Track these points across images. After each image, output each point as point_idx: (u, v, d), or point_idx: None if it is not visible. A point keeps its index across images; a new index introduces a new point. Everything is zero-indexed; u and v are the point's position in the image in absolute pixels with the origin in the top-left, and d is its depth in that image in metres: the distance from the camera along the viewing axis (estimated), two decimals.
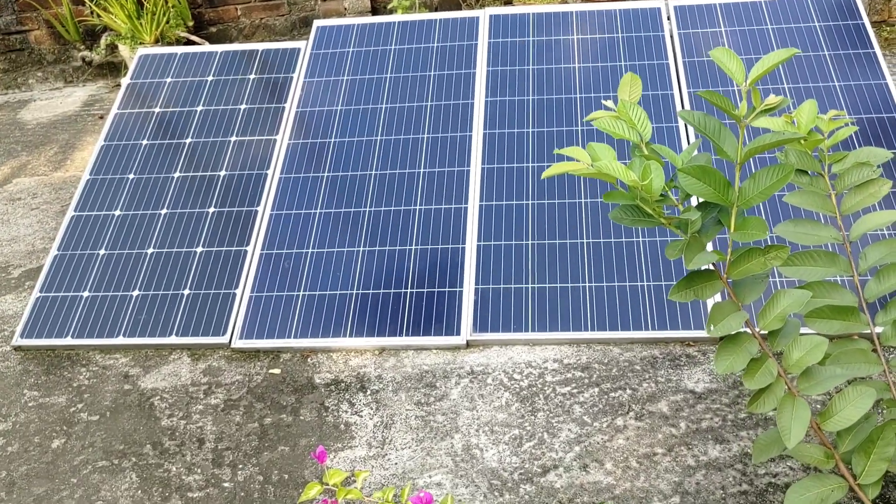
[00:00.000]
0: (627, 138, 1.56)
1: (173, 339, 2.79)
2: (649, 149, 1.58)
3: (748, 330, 1.58)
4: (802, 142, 1.77)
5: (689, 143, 3.06)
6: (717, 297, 2.58)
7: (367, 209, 3.03)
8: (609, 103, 1.63)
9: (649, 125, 1.58)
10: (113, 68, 5.02)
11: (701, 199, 1.64)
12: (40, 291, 2.99)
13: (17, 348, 2.89)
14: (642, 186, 1.45)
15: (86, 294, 2.96)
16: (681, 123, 3.11)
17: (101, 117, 4.61)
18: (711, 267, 1.59)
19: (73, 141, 4.40)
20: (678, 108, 3.15)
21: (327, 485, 1.81)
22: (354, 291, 2.81)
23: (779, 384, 1.55)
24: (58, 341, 2.85)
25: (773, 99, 1.46)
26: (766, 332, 1.58)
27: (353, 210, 3.03)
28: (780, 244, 1.53)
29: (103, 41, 4.83)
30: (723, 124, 1.52)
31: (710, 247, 2.77)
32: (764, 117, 1.64)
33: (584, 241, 2.82)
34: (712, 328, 1.54)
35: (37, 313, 2.93)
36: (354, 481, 2.25)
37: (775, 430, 1.67)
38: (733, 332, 1.55)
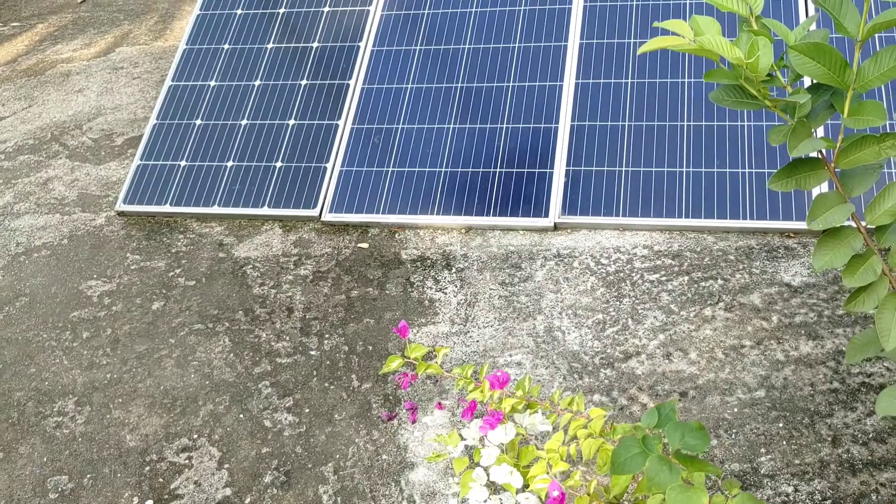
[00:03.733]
0: (735, 11, 1.43)
1: (266, 210, 2.85)
2: (759, 23, 1.45)
3: (853, 224, 1.47)
4: None
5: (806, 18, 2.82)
6: (825, 188, 2.44)
7: (459, 85, 2.95)
8: None
9: None
10: None
11: (813, 81, 1.50)
12: (141, 159, 3.08)
13: (120, 213, 3.01)
14: (747, 64, 1.34)
15: (183, 163, 3.03)
16: (801, 6, 2.86)
17: None
18: (818, 155, 1.47)
19: (171, 10, 4.42)
20: None
21: (408, 358, 1.84)
22: (443, 169, 2.77)
23: (882, 283, 1.45)
24: (157, 208, 2.95)
25: None
26: (874, 226, 1.47)
27: (444, 86, 2.96)
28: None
29: None
30: None
31: (819, 133, 2.59)
32: None
33: (685, 123, 2.68)
34: (813, 221, 1.45)
35: (137, 180, 3.03)
36: (435, 356, 2.29)
37: (872, 330, 1.58)
38: (836, 226, 1.45)
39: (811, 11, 2.82)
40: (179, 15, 4.35)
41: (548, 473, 1.51)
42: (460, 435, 2.15)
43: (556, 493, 1.43)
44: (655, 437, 1.02)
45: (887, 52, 1.35)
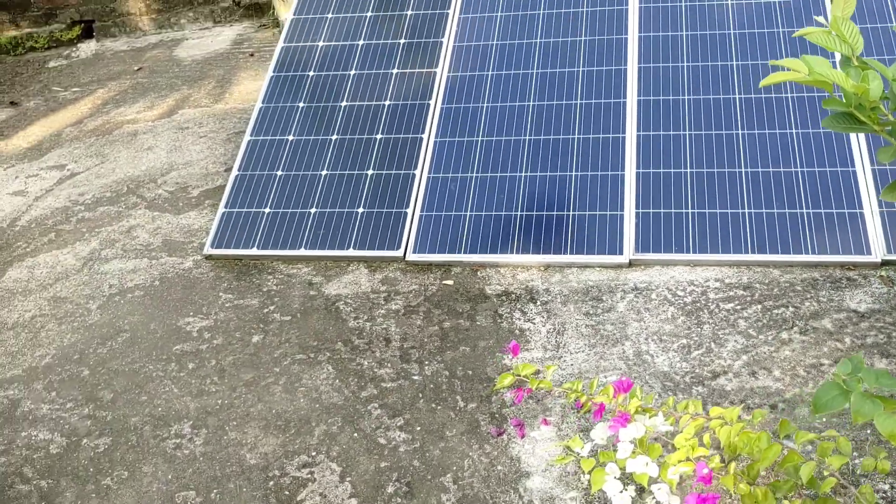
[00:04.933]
0: (840, 52, 1.67)
1: (351, 252, 3.04)
2: (860, 62, 1.70)
3: None
4: None
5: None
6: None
7: (527, 138, 3.19)
8: (820, 19, 1.74)
9: (861, 39, 1.69)
10: (258, 9, 5.28)
11: None
12: (225, 207, 3.27)
13: (208, 257, 3.18)
14: (862, 91, 1.57)
15: (267, 210, 3.23)
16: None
17: (252, 55, 4.88)
18: None
19: (228, 76, 4.69)
20: None
21: (519, 375, 2.01)
22: (518, 213, 2.99)
23: None
24: (244, 251, 3.13)
25: None
26: None
27: (512, 138, 3.20)
28: None
29: None
30: None
31: None
32: None
33: (743, 170, 2.92)
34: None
35: (223, 226, 3.22)
36: (543, 374, 2.46)
37: None
38: None
39: None
40: (236, 80, 4.62)
41: (690, 458, 1.68)
42: (588, 437, 2.31)
43: (705, 471, 1.59)
44: (855, 379, 1.20)
45: None
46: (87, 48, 5.45)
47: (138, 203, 3.62)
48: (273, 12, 5.14)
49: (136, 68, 4.98)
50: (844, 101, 1.66)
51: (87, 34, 5.53)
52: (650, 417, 1.93)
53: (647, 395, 2.17)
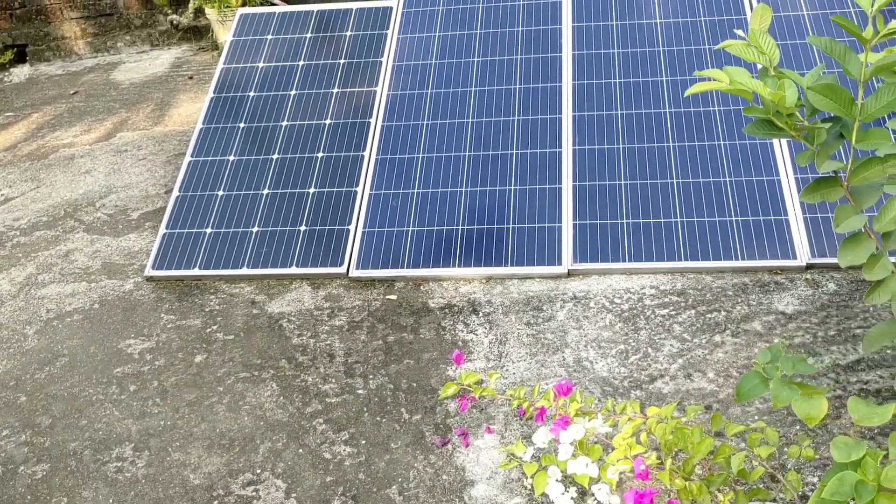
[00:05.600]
0: (758, 62, 1.76)
1: (294, 270, 3.04)
2: (777, 72, 1.79)
3: (866, 232, 1.78)
4: None
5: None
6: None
7: (466, 153, 3.25)
8: (740, 32, 1.83)
9: (777, 51, 1.78)
10: (197, 32, 5.26)
11: (826, 115, 1.83)
12: (166, 228, 3.25)
13: (149, 279, 3.15)
14: (779, 99, 1.66)
15: (209, 230, 3.21)
16: None
17: (191, 77, 4.86)
18: (834, 175, 1.79)
19: (167, 99, 4.66)
20: None
21: (463, 385, 2.05)
22: (459, 227, 3.04)
23: (893, 279, 1.75)
24: (186, 272, 3.11)
25: (895, 24, 1.65)
26: (882, 233, 1.79)
27: (452, 154, 3.26)
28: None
29: (191, 5, 5.08)
30: (848, 47, 1.72)
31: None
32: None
33: (674, 180, 3.02)
34: (837, 227, 1.75)
35: (164, 247, 3.19)
36: (486, 383, 2.49)
37: (885, 323, 1.87)
38: (855, 232, 1.75)
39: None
40: (175, 103, 4.59)
41: (628, 456, 1.73)
42: (530, 441, 2.34)
43: (642, 468, 1.64)
44: (773, 367, 1.26)
45: (885, 89, 1.69)
46: (21, 73, 5.37)
47: (76, 227, 3.57)
48: (212, 35, 5.14)
49: (71, 92, 4.91)
50: (763, 108, 1.75)
51: (21, 59, 5.44)
52: (590, 420, 1.98)
53: (587, 399, 2.22)
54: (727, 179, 2.99)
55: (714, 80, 1.77)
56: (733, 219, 2.89)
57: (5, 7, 5.27)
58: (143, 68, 5.12)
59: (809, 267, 2.76)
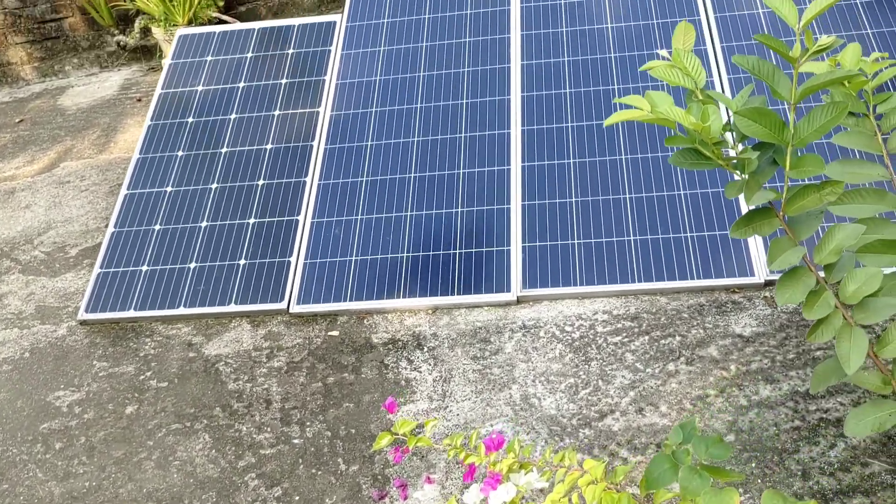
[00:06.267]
0: (683, 85, 1.62)
1: (232, 308, 2.89)
2: (704, 95, 1.64)
3: (806, 265, 1.64)
4: (847, 83, 1.82)
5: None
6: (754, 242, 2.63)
7: (412, 175, 3.10)
8: (663, 52, 1.69)
9: (703, 72, 1.64)
10: (146, 52, 5.11)
11: (756, 142, 1.69)
12: (101, 268, 3.10)
13: (83, 322, 3.00)
14: (702, 129, 1.52)
15: (145, 268, 3.06)
16: (715, 78, 3.15)
17: (140, 100, 4.71)
18: (769, 205, 1.65)
19: (114, 124, 4.50)
20: (711, 62, 3.19)
21: (397, 434, 1.90)
22: (404, 254, 2.89)
23: (836, 315, 1.61)
24: (121, 314, 2.96)
25: (825, 39, 1.51)
26: (823, 265, 1.65)
27: (398, 177, 3.11)
28: (833, 180, 1.59)
29: (137, 25, 4.92)
30: (777, 67, 1.58)
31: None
32: (811, 62, 1.70)
33: (627, 196, 2.88)
34: (772, 263, 1.61)
35: (99, 289, 3.04)
36: (423, 431, 2.35)
37: (832, 360, 1.74)
38: (792, 266, 1.61)
39: (727, 91, 3.10)
40: (122, 128, 4.44)
41: None
42: (461, 501, 2.20)
43: None
44: (684, 451, 1.12)
45: (818, 111, 1.55)
46: None
47: (12, 267, 3.42)
48: (160, 55, 4.98)
49: (17, 120, 4.75)
50: (688, 137, 1.60)
51: None
52: (526, 473, 1.83)
53: (525, 447, 2.08)
54: (682, 192, 2.85)
55: (633, 107, 1.62)
56: (688, 235, 2.75)
57: None
58: (91, 92, 4.96)
59: (768, 284, 2.62)
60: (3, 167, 4.27)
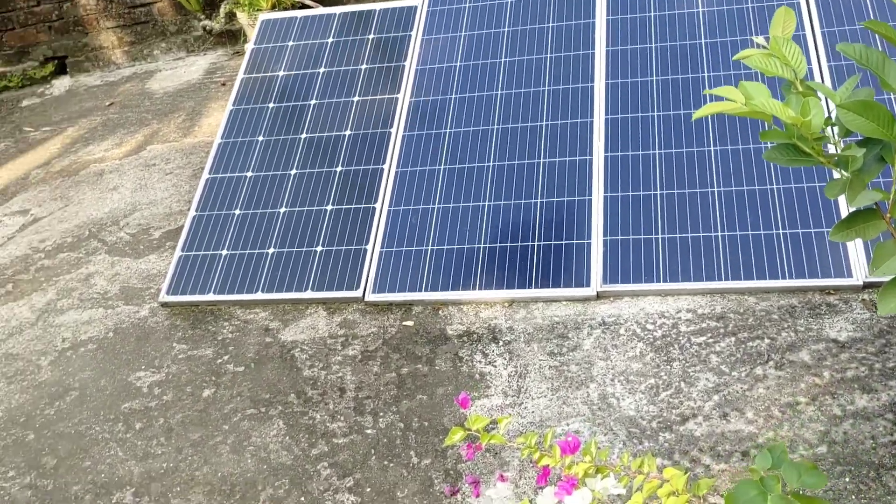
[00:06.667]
0: (781, 76, 1.51)
1: (309, 294, 2.90)
2: (804, 86, 1.53)
3: None
4: None
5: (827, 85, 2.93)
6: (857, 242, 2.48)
7: (491, 164, 3.04)
8: (759, 40, 1.58)
9: (804, 61, 1.53)
10: (231, 36, 5.17)
11: (862, 136, 1.57)
12: (182, 251, 3.15)
13: (164, 304, 3.06)
14: (802, 124, 1.41)
15: (224, 252, 3.10)
16: (814, 66, 2.98)
17: (224, 84, 4.77)
18: (874, 206, 1.53)
19: (199, 108, 4.58)
20: (811, 49, 3.02)
21: (470, 430, 1.86)
22: (481, 245, 2.84)
23: None
24: (201, 297, 3.00)
25: None
26: None
27: (476, 165, 3.05)
28: None
29: (222, 10, 4.98)
30: (886, 55, 1.46)
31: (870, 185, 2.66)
32: None
33: (715, 189, 2.76)
34: (875, 269, 1.49)
35: (180, 272, 3.09)
36: (496, 427, 2.30)
37: None
38: None
39: (827, 81, 2.93)
40: (206, 112, 4.50)
41: None
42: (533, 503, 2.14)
43: None
44: (773, 478, 1.04)
45: None
46: (62, 84, 5.37)
47: (99, 248, 3.51)
48: (245, 40, 5.03)
49: (107, 104, 4.88)
50: (785, 132, 1.50)
51: (62, 70, 5.45)
52: (603, 478, 1.77)
53: (602, 450, 2.01)
54: (774, 187, 2.71)
55: (726, 98, 1.52)
56: (781, 231, 2.61)
57: (43, 20, 5.27)
58: (178, 76, 5.05)
59: (867, 286, 2.47)
60: (93, 149, 4.39)
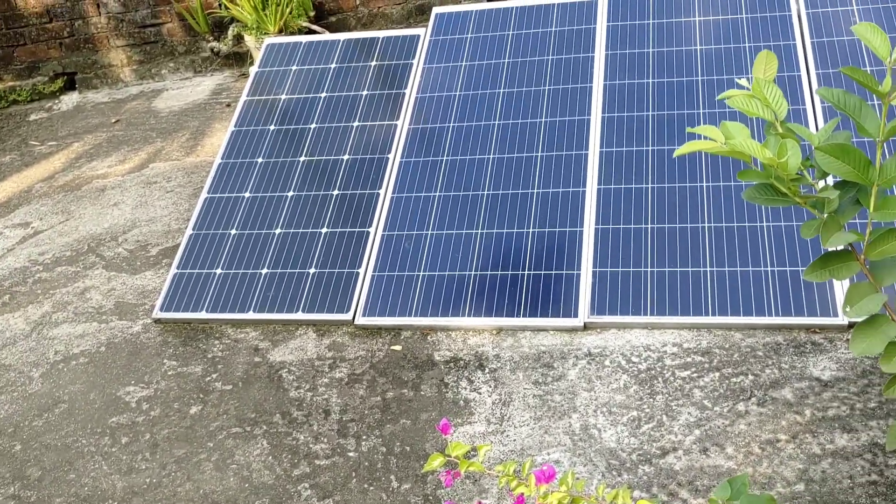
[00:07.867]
0: (762, 117, 1.54)
1: (300, 315, 2.92)
2: (784, 127, 1.56)
3: (887, 313, 1.54)
4: None
5: (817, 125, 2.97)
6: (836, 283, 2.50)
7: (485, 192, 3.07)
8: (743, 81, 1.62)
9: (785, 103, 1.56)
10: (238, 58, 5.24)
11: (838, 179, 1.60)
12: (177, 268, 3.18)
13: (157, 321, 3.08)
14: (778, 164, 1.44)
15: (219, 271, 3.13)
16: (808, 106, 3.02)
17: (229, 105, 4.83)
18: (848, 247, 1.56)
19: (203, 128, 4.63)
20: (805, 90, 3.06)
21: (450, 456, 1.87)
22: (472, 272, 2.86)
23: None
24: (193, 315, 3.03)
25: None
26: None
27: (470, 193, 3.09)
28: None
29: (230, 32, 5.06)
30: (864, 101, 1.49)
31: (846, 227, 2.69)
32: None
33: (705, 225, 2.78)
34: (848, 310, 1.51)
35: (174, 289, 3.12)
36: (476, 454, 2.31)
37: None
38: (871, 314, 1.51)
39: (820, 121, 2.96)
40: (210, 132, 4.56)
41: None
42: None
43: None
44: None
45: None
46: (70, 100, 5.44)
47: (96, 263, 3.54)
48: (251, 62, 5.10)
49: (113, 120, 4.94)
50: (763, 172, 1.53)
51: (71, 86, 5.52)
52: None
53: (578, 481, 2.02)
54: (763, 224, 2.74)
55: (706, 137, 1.56)
56: (769, 269, 2.64)
57: (55, 37, 5.36)
58: (184, 95, 5.12)
59: (852, 326, 2.48)
60: (97, 165, 4.44)
